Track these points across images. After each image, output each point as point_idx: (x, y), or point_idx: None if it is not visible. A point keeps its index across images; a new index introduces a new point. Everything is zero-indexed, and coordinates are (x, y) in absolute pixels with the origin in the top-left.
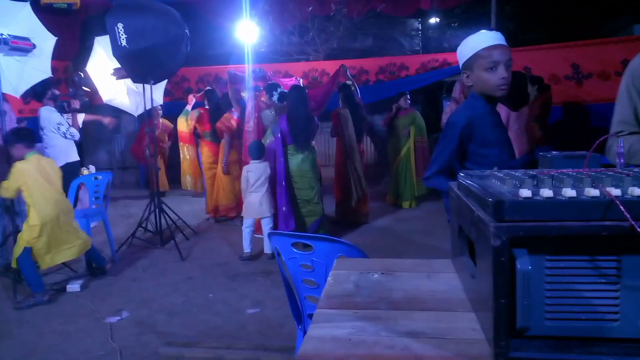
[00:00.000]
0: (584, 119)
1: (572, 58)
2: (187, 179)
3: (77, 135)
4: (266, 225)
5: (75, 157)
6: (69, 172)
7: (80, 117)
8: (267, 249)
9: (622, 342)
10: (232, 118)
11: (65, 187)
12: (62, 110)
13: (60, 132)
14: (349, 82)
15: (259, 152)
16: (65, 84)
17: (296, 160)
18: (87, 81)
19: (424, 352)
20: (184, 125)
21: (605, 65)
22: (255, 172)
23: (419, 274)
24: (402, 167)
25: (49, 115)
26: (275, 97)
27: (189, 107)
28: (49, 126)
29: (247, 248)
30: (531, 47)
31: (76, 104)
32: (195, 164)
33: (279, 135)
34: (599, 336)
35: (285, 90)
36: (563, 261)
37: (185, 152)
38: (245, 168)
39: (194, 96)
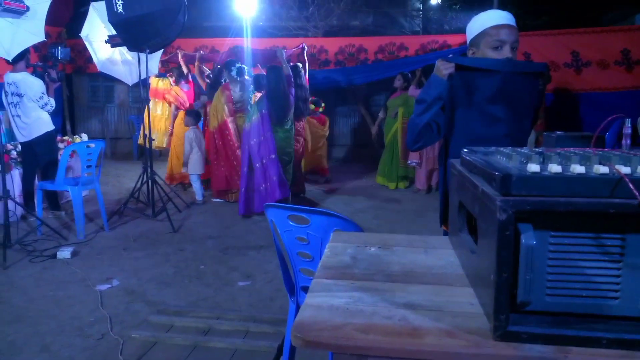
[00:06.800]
0: (574, 106)
1: (572, 45)
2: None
3: (54, 107)
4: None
5: (52, 126)
6: (49, 141)
7: (52, 87)
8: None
9: (621, 319)
10: (181, 90)
11: (45, 157)
12: (41, 79)
13: (41, 101)
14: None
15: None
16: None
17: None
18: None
19: (421, 323)
20: (159, 83)
21: (605, 54)
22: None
23: (416, 249)
24: (388, 148)
25: (32, 82)
26: (234, 72)
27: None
28: (31, 94)
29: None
30: (532, 32)
31: (53, 73)
32: (168, 122)
33: (265, 111)
34: (599, 313)
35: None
36: (567, 237)
37: (154, 108)
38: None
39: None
